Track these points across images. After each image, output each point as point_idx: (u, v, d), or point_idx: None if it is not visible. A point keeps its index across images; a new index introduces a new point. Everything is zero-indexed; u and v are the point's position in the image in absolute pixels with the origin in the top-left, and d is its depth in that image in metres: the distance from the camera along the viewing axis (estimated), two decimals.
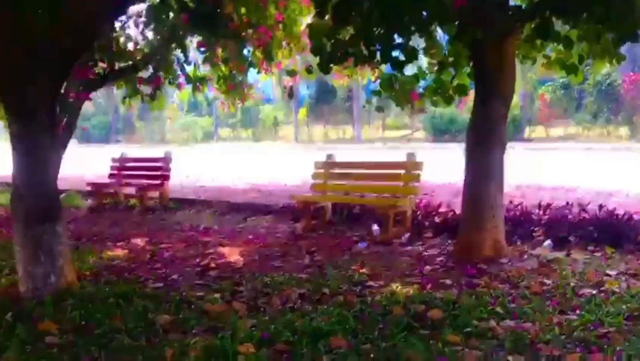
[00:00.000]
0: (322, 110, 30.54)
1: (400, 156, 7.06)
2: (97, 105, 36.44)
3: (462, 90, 6.07)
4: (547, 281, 4.46)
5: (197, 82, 10.05)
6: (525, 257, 5.26)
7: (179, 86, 10.54)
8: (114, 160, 10.29)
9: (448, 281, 4.55)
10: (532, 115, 24.69)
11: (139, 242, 6.78)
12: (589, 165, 13.96)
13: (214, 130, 34.28)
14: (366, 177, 7.26)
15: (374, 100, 6.61)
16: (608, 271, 4.68)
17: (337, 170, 7.39)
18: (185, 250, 6.25)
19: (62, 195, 9.83)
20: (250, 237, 6.91)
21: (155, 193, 9.62)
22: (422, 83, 6.26)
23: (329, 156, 7.47)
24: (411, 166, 6.67)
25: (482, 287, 4.38)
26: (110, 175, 10.17)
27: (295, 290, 4.47)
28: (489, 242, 5.21)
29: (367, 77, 12.45)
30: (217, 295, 4.41)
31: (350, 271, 4.99)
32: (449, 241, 6.10)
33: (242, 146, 28.85)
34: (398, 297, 4.17)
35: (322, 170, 7.41)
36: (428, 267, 5.03)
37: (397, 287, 4.43)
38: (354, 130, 29.15)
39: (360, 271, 4.98)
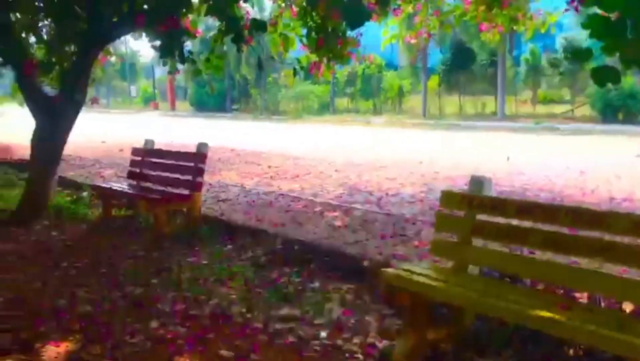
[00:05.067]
0: (458, 78, 25.52)
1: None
2: None
3: None
4: None
5: (255, 31, 6.43)
6: None
7: (240, 37, 6.91)
8: (135, 152, 6.78)
9: None
10: None
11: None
12: None
13: (329, 101, 30.55)
14: (561, 245, 2.90)
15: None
16: None
17: (491, 219, 3.15)
18: None
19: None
20: None
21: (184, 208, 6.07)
22: None
23: (476, 182, 3.28)
24: None
25: None
26: (130, 175, 6.73)
27: None
28: None
29: (534, 28, 8.47)
30: None
31: None
32: None
33: (358, 121, 24.85)
34: None
35: (458, 214, 3.25)
36: None
37: None
38: (496, 104, 23.92)
39: None
